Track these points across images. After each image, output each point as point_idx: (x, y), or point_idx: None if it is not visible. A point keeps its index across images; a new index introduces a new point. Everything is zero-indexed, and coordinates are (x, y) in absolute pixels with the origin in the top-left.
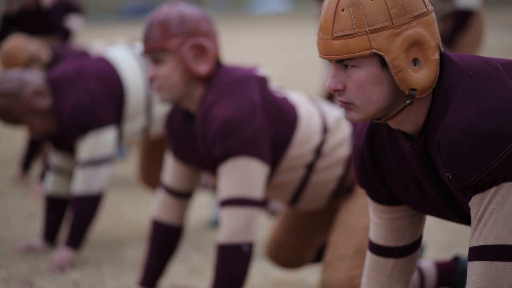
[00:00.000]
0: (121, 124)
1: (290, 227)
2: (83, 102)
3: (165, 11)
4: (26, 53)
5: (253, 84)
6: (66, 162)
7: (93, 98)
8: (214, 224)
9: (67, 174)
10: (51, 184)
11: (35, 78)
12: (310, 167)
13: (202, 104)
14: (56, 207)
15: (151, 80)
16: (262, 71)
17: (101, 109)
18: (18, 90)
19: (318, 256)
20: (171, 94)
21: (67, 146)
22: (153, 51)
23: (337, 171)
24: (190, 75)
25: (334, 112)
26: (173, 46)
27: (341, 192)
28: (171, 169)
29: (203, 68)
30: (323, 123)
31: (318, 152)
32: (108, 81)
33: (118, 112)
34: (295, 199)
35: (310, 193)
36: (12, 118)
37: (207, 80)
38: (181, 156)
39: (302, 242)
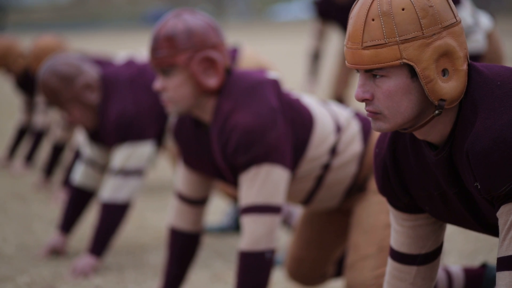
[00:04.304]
0: (163, 136)
1: (307, 240)
2: (128, 111)
3: (171, 23)
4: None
5: (268, 88)
6: (99, 155)
7: (139, 110)
8: (216, 230)
9: (98, 168)
10: (80, 175)
11: (91, 71)
12: (326, 167)
13: (218, 113)
14: (80, 199)
15: (159, 92)
16: (273, 74)
17: (144, 122)
18: (72, 76)
19: (339, 270)
20: (179, 106)
21: (103, 141)
22: (161, 66)
23: (351, 169)
24: (200, 89)
25: (343, 112)
26: (181, 62)
27: (354, 190)
28: (183, 177)
29: (213, 81)
30: (335, 122)
31: (333, 151)
32: (157, 93)
33: (162, 126)
34: (309, 199)
35: (325, 193)
36: (55, 100)
37: (219, 90)
38: (192, 164)
39: (321, 254)
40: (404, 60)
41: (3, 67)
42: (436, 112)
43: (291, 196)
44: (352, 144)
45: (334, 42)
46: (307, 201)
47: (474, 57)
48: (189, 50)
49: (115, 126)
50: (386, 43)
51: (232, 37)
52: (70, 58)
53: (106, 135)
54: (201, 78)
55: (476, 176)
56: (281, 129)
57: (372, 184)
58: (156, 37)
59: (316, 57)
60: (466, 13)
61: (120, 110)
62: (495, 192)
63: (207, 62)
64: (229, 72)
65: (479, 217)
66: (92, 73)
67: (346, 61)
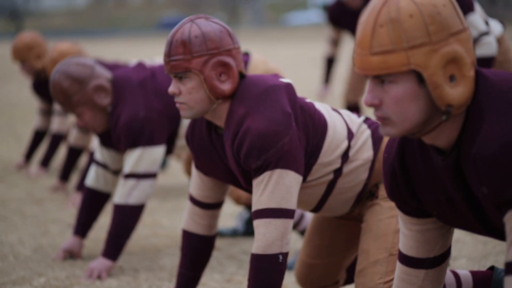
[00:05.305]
0: (173, 141)
1: (317, 247)
2: (140, 116)
3: (186, 28)
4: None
5: (282, 93)
6: (110, 160)
7: (150, 115)
8: (229, 234)
9: (111, 171)
10: (93, 178)
11: (104, 73)
12: (337, 173)
13: (231, 118)
14: (93, 202)
15: (173, 96)
16: (285, 79)
17: (155, 128)
18: (86, 79)
19: (350, 278)
20: (193, 111)
21: (114, 145)
22: (175, 71)
23: (362, 175)
24: (215, 94)
25: (355, 118)
26: (196, 67)
27: (365, 196)
28: (195, 182)
29: (227, 86)
30: (348, 129)
31: (345, 157)
32: (169, 97)
33: (173, 130)
34: (320, 205)
35: (335, 199)
36: (67, 101)
37: (233, 94)
38: (204, 169)
39: (332, 261)
40: (412, 66)
41: (22, 61)
42: (444, 117)
43: (302, 202)
44: (364, 150)
45: (348, 48)
46: (318, 207)
47: (488, 60)
48: (203, 55)
49: (125, 131)
50: (394, 50)
51: (246, 44)
52: (82, 60)
53: (117, 140)
54: (215, 83)
55: (484, 181)
56: (294, 134)
57: (383, 190)
58: (171, 42)
59: (329, 62)
60: (479, 20)
61: (131, 115)
62: (503, 197)
63: (222, 67)
64: (242, 77)
65: (486, 222)
66: (105, 75)
67: (355, 67)
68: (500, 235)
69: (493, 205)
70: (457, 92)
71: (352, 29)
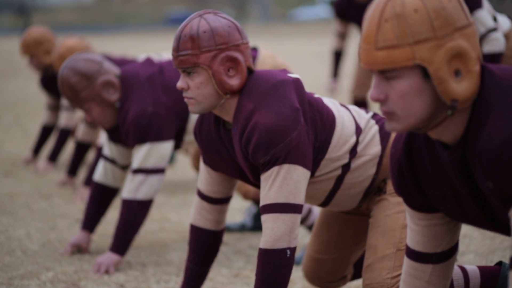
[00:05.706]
0: (181, 136)
1: (326, 242)
2: (148, 112)
3: (195, 24)
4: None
5: (290, 88)
6: (118, 155)
7: (158, 111)
8: (236, 228)
9: (119, 167)
10: (101, 173)
11: (112, 69)
12: (346, 168)
13: (240, 113)
14: (101, 196)
15: (182, 91)
16: (294, 74)
17: (163, 124)
18: (94, 74)
19: (357, 273)
20: (201, 106)
21: (122, 141)
22: (184, 66)
23: (370, 170)
24: (223, 89)
25: (363, 114)
26: (204, 62)
27: (372, 191)
28: (203, 176)
29: (235, 81)
30: (356, 124)
31: (353, 152)
32: (176, 93)
33: (181, 125)
34: (328, 200)
35: (344, 193)
36: (75, 97)
37: (241, 89)
38: (212, 164)
39: (340, 256)
40: (417, 61)
41: (31, 56)
42: (449, 112)
43: (310, 197)
44: (372, 146)
45: (355, 43)
46: (326, 202)
47: (496, 56)
48: (212, 50)
49: (133, 126)
50: (399, 44)
51: (253, 40)
52: (91, 56)
53: (125, 136)
54: (224, 78)
55: (489, 175)
56: (302, 129)
57: (391, 186)
58: (179, 37)
59: (337, 56)
60: (487, 16)
61: (139, 110)
62: (508, 192)
63: (230, 62)
64: (251, 72)
65: (492, 217)
66: (114, 71)
67: (361, 62)
68: (506, 230)
69: (499, 199)
70: (462, 87)
71: (358, 22)
